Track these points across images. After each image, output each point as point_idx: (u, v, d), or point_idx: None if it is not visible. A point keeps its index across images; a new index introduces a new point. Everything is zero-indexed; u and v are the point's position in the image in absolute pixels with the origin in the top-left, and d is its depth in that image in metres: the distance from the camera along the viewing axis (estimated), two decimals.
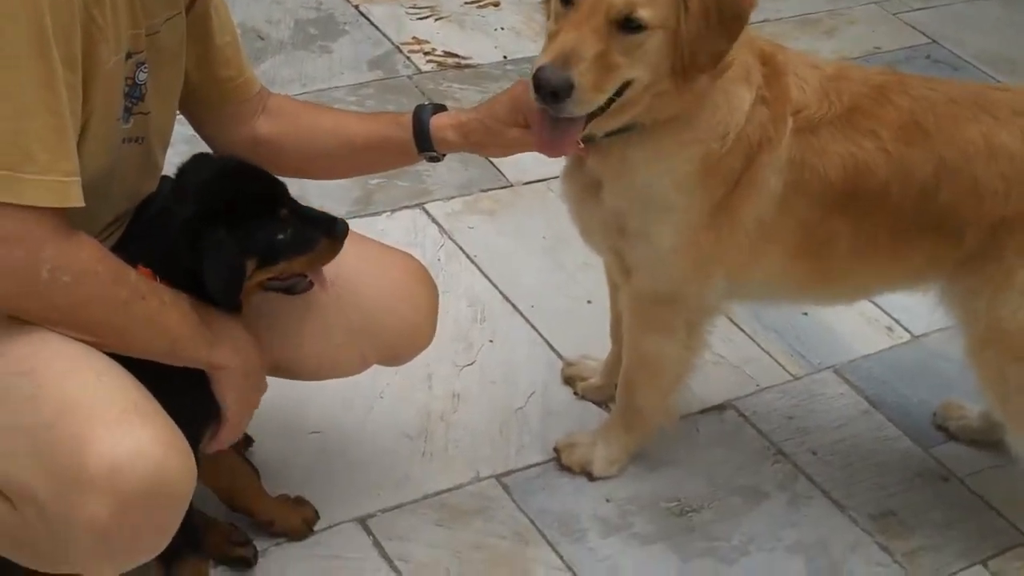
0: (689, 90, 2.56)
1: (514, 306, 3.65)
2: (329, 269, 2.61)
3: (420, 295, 2.80)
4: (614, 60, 2.41)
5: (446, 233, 3.88)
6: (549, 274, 3.80)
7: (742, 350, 3.63)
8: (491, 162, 4.18)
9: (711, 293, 2.89)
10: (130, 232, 2.44)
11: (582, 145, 2.64)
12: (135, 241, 2.37)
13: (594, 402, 3.37)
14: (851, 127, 2.74)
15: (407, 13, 4.91)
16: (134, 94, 2.31)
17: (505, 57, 4.77)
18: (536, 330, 3.58)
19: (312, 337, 2.69)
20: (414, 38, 4.80)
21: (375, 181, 3.97)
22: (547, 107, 2.41)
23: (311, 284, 2.49)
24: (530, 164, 4.09)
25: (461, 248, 3.83)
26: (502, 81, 4.60)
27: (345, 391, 3.17)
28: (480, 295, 3.68)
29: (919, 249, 2.83)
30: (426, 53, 4.72)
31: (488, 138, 2.63)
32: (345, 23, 4.77)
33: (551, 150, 2.52)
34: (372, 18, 4.81)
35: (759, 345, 3.65)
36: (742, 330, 3.68)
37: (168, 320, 2.26)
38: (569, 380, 3.43)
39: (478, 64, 4.73)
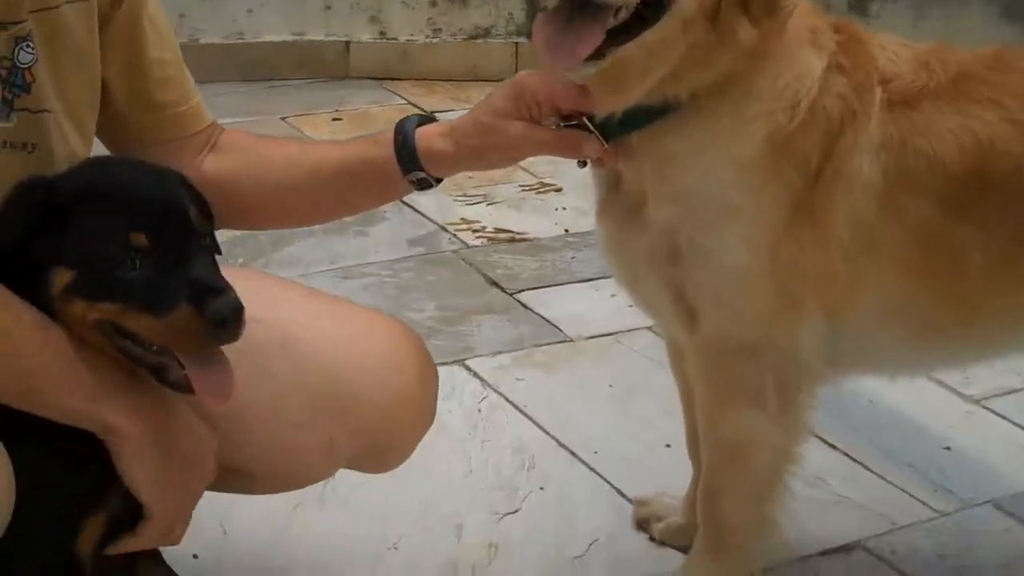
0: (734, 44, 1.99)
1: (572, 453, 2.97)
2: (281, 331, 2.07)
3: (406, 360, 2.18)
4: None
5: (489, 386, 3.25)
6: (617, 421, 3.12)
7: (869, 490, 2.88)
8: (546, 319, 3.59)
9: (806, 338, 2.16)
10: None
11: (605, 145, 2.08)
12: None
13: (675, 547, 2.61)
14: (964, 97, 2.12)
15: (455, 200, 4.41)
16: (15, 80, 1.85)
17: (566, 231, 4.21)
18: (600, 476, 2.88)
19: (263, 417, 2.05)
20: (462, 219, 4.29)
21: None
22: None
23: (187, 382, 1.74)
24: (593, 317, 3.57)
25: (507, 399, 3.19)
26: (563, 251, 4.05)
27: (348, 544, 2.55)
28: (528, 444, 3.01)
29: None
30: (475, 231, 4.19)
31: (485, 138, 2.07)
32: (386, 211, 4.26)
33: (559, 54, 1.89)
34: (417, 206, 4.31)
35: (891, 483, 2.89)
36: (868, 469, 2.95)
37: (24, 344, 1.68)
38: (643, 523, 2.69)
39: (535, 238, 4.17)
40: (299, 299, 2.19)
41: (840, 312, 2.16)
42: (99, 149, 2.06)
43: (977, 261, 2.13)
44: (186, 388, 1.72)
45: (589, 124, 2.06)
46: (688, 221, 2.11)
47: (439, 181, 2.13)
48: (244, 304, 1.72)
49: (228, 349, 1.76)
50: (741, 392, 2.21)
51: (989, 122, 2.09)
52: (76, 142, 1.97)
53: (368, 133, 4.38)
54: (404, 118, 2.13)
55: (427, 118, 2.15)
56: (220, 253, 1.86)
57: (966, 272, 2.14)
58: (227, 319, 1.66)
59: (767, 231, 2.09)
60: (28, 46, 1.85)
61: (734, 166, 2.07)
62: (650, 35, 1.94)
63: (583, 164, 2.18)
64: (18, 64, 1.85)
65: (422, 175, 2.10)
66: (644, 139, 2.08)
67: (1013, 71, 2.15)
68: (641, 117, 2.05)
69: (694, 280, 2.15)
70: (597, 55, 1.91)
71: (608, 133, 2.07)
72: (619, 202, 2.20)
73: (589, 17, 1.88)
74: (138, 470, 1.77)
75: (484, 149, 2.09)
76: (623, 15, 1.90)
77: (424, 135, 2.09)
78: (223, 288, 1.68)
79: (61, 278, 1.68)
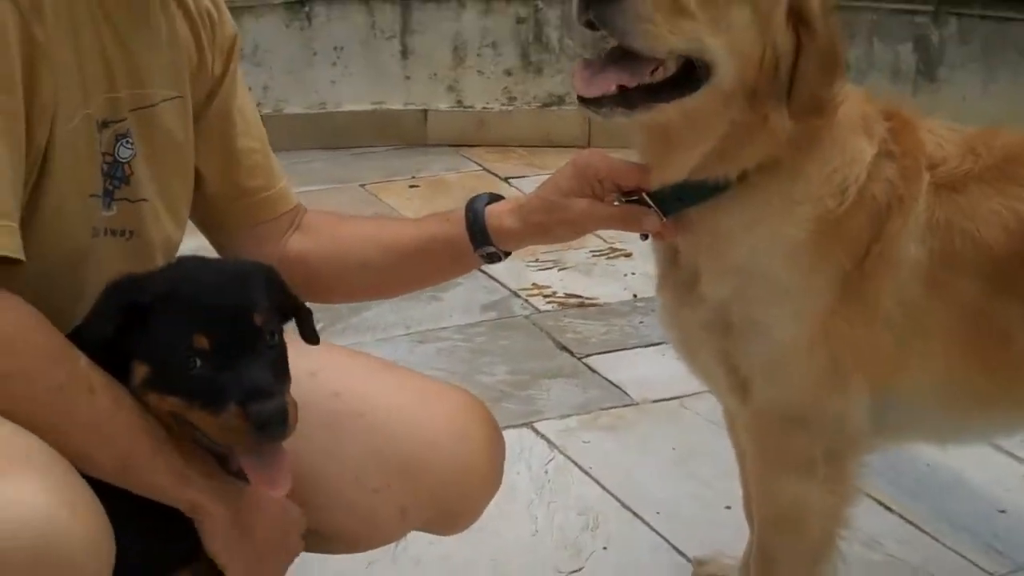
0: (770, 131, 2.06)
1: (635, 513, 3.07)
2: (358, 401, 2.19)
3: (473, 429, 2.26)
4: (685, 1, 1.94)
5: (556, 448, 3.35)
6: (680, 483, 3.21)
7: (924, 552, 2.95)
8: (613, 383, 3.69)
9: (854, 410, 2.22)
10: None
11: (664, 220, 2.16)
12: None
13: None
14: (1008, 180, 2.16)
15: (528, 266, 4.54)
16: (116, 174, 1.96)
17: (635, 296, 4.32)
18: (661, 536, 2.98)
19: (342, 483, 2.16)
20: (534, 284, 4.42)
21: None
22: (589, 12, 1.93)
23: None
24: (658, 381, 3.63)
25: (573, 461, 3.29)
26: (631, 316, 4.16)
27: None
28: (593, 504, 3.11)
29: None
30: (546, 296, 4.32)
31: (551, 215, 2.17)
32: (460, 277, 4.39)
33: (590, 85, 1.99)
34: (490, 271, 4.43)
35: (945, 545, 2.95)
36: (923, 531, 3.00)
37: (122, 429, 1.78)
38: None
39: (604, 303, 4.29)
40: (374, 371, 2.30)
41: (888, 385, 2.22)
42: (191, 231, 2.19)
43: (1021, 336, 2.18)
44: (242, 476, 1.83)
45: (648, 200, 2.16)
46: (740, 296, 2.18)
47: (507, 255, 2.23)
48: (327, 383, 1.95)
49: (310, 420, 1.88)
50: (792, 460, 2.27)
51: None
52: (170, 227, 2.08)
53: (444, 199, 4.60)
54: (474, 196, 2.23)
55: (495, 196, 2.26)
56: (317, 342, 1.98)
57: (1011, 347, 2.19)
58: (269, 423, 1.74)
59: (816, 308, 2.15)
60: (128, 142, 1.96)
61: (784, 245, 2.14)
62: (689, 102, 2.01)
63: (644, 237, 2.27)
64: (119, 159, 1.95)
65: (492, 250, 2.20)
66: (699, 215, 2.16)
67: None
68: (697, 193, 2.13)
69: (746, 354, 2.22)
70: (629, 105, 2.00)
71: (667, 208, 2.15)
72: (677, 276, 2.27)
73: (626, 65, 1.99)
74: (220, 545, 1.87)
75: (550, 225, 2.18)
76: (660, 75, 2.00)
77: (493, 213, 2.19)
78: (271, 392, 1.76)
79: (140, 371, 1.80)
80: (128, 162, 1.97)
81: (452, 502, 2.25)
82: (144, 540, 1.83)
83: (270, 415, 1.74)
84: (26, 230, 1.78)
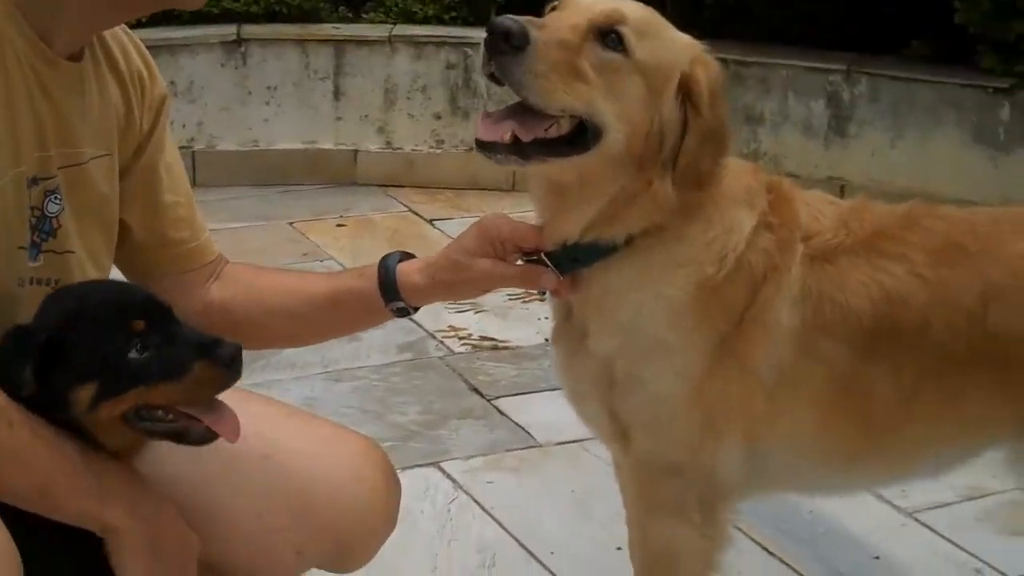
0: (655, 198, 2.21)
1: (530, 552, 3.22)
2: (263, 444, 2.29)
3: (369, 472, 2.39)
4: (582, 67, 2.09)
5: (460, 487, 3.51)
6: (575, 523, 3.37)
7: None
8: (519, 425, 3.85)
9: (727, 461, 2.37)
10: None
11: (561, 278, 2.30)
12: None
13: None
14: (876, 253, 2.32)
15: (446, 308, 4.68)
16: (43, 227, 2.08)
17: (546, 340, 4.42)
18: (553, 574, 3.11)
19: (244, 519, 2.28)
20: (450, 326, 4.58)
21: (387, 444, 3.59)
22: (492, 64, 2.07)
23: (212, 434, 2.00)
24: (563, 424, 3.69)
25: (475, 500, 3.45)
26: (541, 359, 4.30)
27: None
28: (491, 543, 3.26)
29: (976, 390, 2.34)
30: (461, 338, 4.48)
31: (456, 274, 2.32)
32: None
33: (487, 129, 2.13)
34: None
35: None
36: (800, 575, 3.16)
37: (41, 457, 1.90)
38: None
39: (516, 346, 4.46)
40: (281, 417, 2.42)
41: (760, 439, 2.35)
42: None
43: (886, 397, 2.33)
44: (207, 438, 1.97)
45: (547, 260, 2.31)
46: (623, 352, 2.31)
47: (416, 310, 2.38)
48: None
49: (218, 459, 2.08)
50: (667, 506, 2.41)
51: (897, 276, 2.28)
52: (94, 276, 2.19)
53: (370, 239, 4.71)
54: (387, 254, 2.37)
55: (407, 254, 2.39)
56: None
57: (876, 406, 2.34)
58: (236, 358, 1.93)
59: (694, 366, 2.29)
60: (56, 198, 2.07)
61: (666, 305, 2.27)
62: (579, 161, 2.15)
63: (543, 294, 2.42)
64: (47, 213, 2.06)
65: (401, 305, 2.34)
66: (591, 274, 2.29)
67: (921, 228, 2.34)
68: (589, 254, 2.26)
69: (626, 406, 2.36)
70: (523, 156, 2.14)
71: (563, 268, 2.29)
72: (570, 330, 2.40)
73: (525, 119, 2.13)
74: (131, 566, 1.98)
75: (455, 283, 2.33)
76: (554, 131, 2.13)
77: (403, 270, 2.33)
78: (220, 338, 1.95)
79: (85, 393, 1.91)
80: (56, 216, 2.09)
81: (349, 541, 2.37)
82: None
83: (234, 352, 1.93)
84: None
